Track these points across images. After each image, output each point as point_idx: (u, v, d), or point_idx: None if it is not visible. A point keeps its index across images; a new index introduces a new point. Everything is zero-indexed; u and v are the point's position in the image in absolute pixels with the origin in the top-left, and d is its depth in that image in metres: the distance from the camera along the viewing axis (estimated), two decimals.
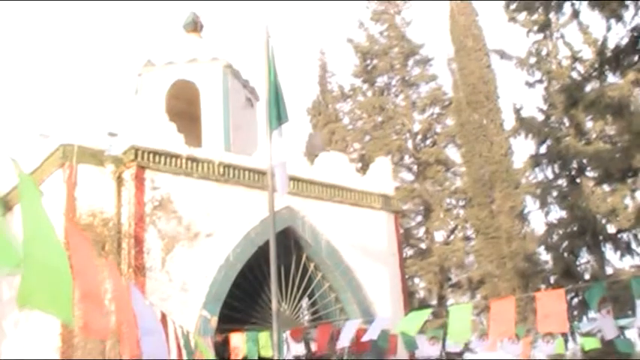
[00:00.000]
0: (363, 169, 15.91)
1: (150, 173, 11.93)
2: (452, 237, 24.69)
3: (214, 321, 11.61)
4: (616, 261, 20.82)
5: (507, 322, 8.28)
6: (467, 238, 24.39)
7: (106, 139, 12.24)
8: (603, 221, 20.32)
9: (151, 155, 11.98)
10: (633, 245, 20.74)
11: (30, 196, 4.09)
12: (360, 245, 13.89)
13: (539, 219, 30.89)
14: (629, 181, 18.75)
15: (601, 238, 20.92)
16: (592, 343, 12.66)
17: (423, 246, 24.79)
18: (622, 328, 12.47)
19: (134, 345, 6.63)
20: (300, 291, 13.33)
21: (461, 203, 25.12)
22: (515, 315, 8.44)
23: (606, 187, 19.83)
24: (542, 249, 22.15)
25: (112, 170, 11.94)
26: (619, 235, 20.87)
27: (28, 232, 3.94)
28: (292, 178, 11.58)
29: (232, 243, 12.38)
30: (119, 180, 11.93)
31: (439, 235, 25.00)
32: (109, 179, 11.92)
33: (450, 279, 23.95)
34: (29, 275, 3.87)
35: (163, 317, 7.91)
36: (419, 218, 25.38)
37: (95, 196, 11.65)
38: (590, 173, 20.34)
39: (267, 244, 11.51)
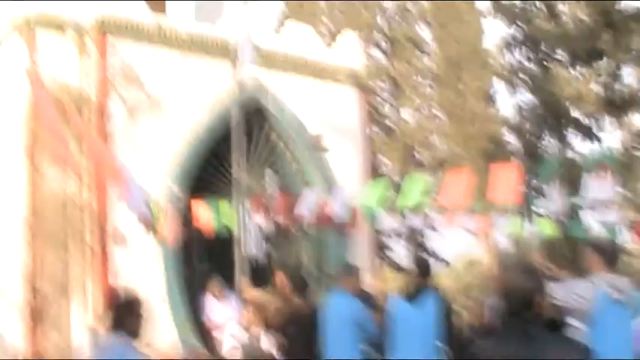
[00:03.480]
0: (332, 44, 15.70)
1: (113, 41, 11.72)
2: (418, 116, 24.75)
3: (178, 190, 11.71)
4: (578, 145, 21.25)
5: (461, 192, 8.42)
6: (433, 118, 24.47)
7: (68, 6, 11.93)
8: (568, 105, 20.52)
9: (115, 23, 11.73)
10: (594, 130, 21.05)
11: None
12: (325, 119, 13.91)
13: (505, 101, 31.15)
14: (595, 64, 18.81)
15: (564, 121, 21.19)
16: (549, 228, 12.84)
17: (389, 124, 24.87)
18: (575, 210, 12.76)
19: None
20: (263, 162, 13.40)
21: (429, 82, 25.06)
22: (471, 188, 8.58)
23: (572, 72, 19.92)
24: (507, 131, 22.41)
25: (75, 38, 11.71)
26: (582, 120, 21.15)
27: None
28: (258, 49, 11.43)
29: (197, 113, 12.34)
30: (81, 48, 11.73)
31: (406, 114, 25.06)
32: (71, 47, 11.71)
33: (414, 157, 24.14)
34: None
35: None
36: (386, 96, 25.34)
37: (57, 63, 11.46)
38: (558, 56, 20.37)
39: (231, 115, 11.55)
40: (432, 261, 7.95)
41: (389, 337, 7.38)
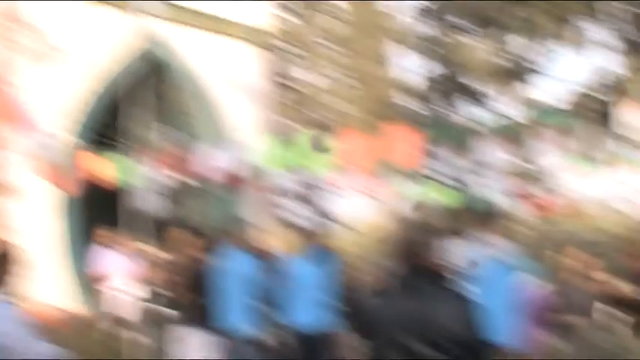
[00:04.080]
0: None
1: None
2: (319, 77, 24.80)
3: (78, 142, 11.42)
4: (471, 112, 21.80)
5: (359, 154, 8.55)
6: (334, 80, 24.57)
7: None
8: (462, 72, 21.00)
9: None
10: (487, 98, 21.66)
11: None
12: (225, 76, 13.78)
13: (403, 66, 31.52)
14: (489, 32, 19.27)
15: (459, 88, 21.70)
16: (442, 192, 13.17)
17: (290, 83, 24.81)
18: (466, 175, 13.12)
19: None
20: (162, 116, 13.19)
21: (331, 45, 25.09)
22: (369, 151, 8.71)
23: (468, 39, 20.35)
24: (404, 95, 22.78)
25: None
26: (475, 87, 21.70)
27: None
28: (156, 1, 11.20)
29: (93, 64, 12.01)
30: None
31: (307, 75, 25.05)
32: None
33: (312, 117, 24.23)
34: None
35: None
36: (288, 56, 25.24)
37: None
38: (455, 24, 20.76)
39: (128, 67, 11.33)
40: (328, 221, 8.04)
41: (284, 295, 7.47)
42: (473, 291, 4.17)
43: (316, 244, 7.58)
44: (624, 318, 6.92)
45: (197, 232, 8.68)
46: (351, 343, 7.26)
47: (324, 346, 7.38)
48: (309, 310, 7.34)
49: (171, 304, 8.12)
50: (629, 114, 8.11)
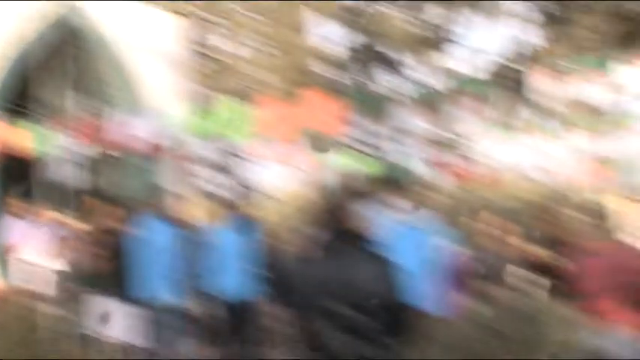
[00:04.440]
0: None
1: None
2: (236, 45, 24.60)
3: None
4: (388, 81, 22.00)
5: (277, 122, 8.53)
6: (251, 48, 24.40)
7: None
8: (381, 41, 21.13)
9: None
10: (405, 67, 21.88)
11: None
12: (143, 44, 13.51)
13: (323, 35, 31.55)
14: (408, 2, 19.42)
15: (380, 59, 21.84)
16: (361, 160, 13.26)
17: (208, 52, 24.53)
18: (383, 142, 13.19)
19: None
20: (78, 85, 12.88)
21: (250, 13, 24.87)
22: (287, 119, 8.70)
23: (387, 9, 20.46)
24: (322, 64, 22.80)
25: None
26: (392, 57, 21.89)
27: None
28: None
29: (6, 31, 11.60)
30: None
31: (225, 43, 24.81)
32: None
33: (231, 86, 24.05)
34: None
35: None
36: (207, 24, 24.92)
37: None
38: None
39: (42, 34, 10.98)
40: (248, 191, 8.02)
41: (206, 265, 7.45)
42: (392, 256, 4.23)
43: (237, 214, 7.56)
44: (540, 282, 7.14)
45: (115, 201, 8.55)
46: (274, 310, 7.29)
47: (247, 314, 7.40)
48: (232, 279, 7.34)
49: (89, 275, 7.99)
50: (544, 83, 8.30)
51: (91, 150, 11.15)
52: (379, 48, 21.18)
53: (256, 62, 23.36)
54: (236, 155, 12.66)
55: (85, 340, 7.88)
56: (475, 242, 7.62)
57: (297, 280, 3.84)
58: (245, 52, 23.73)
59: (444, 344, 6.39)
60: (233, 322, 7.49)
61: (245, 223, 7.48)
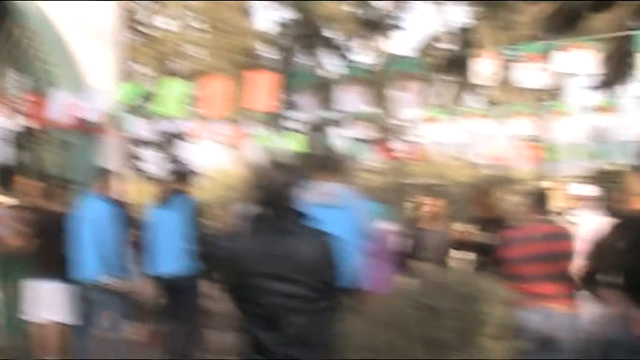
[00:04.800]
0: None
1: None
2: (176, 25, 24.36)
3: None
4: (330, 63, 22.09)
5: (216, 101, 8.51)
6: (191, 28, 24.20)
7: None
8: (323, 25, 21.16)
9: None
10: (345, 51, 21.97)
11: None
12: (80, 22, 13.28)
13: (263, 16, 31.59)
14: None
15: (319, 41, 21.86)
16: (298, 140, 13.30)
17: (146, 30, 24.25)
18: (323, 124, 13.26)
19: None
20: (10, 61, 12.61)
21: None
22: (226, 97, 8.68)
23: None
24: (263, 45, 22.73)
25: None
26: (335, 41, 21.94)
27: None
28: None
29: None
30: None
31: (164, 22, 24.55)
32: None
33: (169, 65, 23.84)
34: None
35: None
36: (146, 3, 24.63)
37: None
38: None
39: None
40: (185, 169, 7.99)
41: (142, 243, 7.43)
42: (326, 232, 4.29)
43: (174, 192, 7.54)
44: (471, 259, 7.29)
45: (49, 180, 8.43)
46: (211, 288, 7.32)
47: (184, 292, 7.40)
48: (168, 257, 7.33)
49: (22, 255, 7.87)
50: (485, 68, 8.44)
51: (27, 127, 10.96)
52: (319, 29, 21.21)
53: (195, 41, 23.18)
54: (175, 134, 12.61)
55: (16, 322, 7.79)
56: (408, 220, 7.74)
57: (232, 256, 3.87)
58: (185, 32, 23.52)
59: (378, 320, 6.48)
60: (169, 300, 7.49)
61: (181, 201, 7.47)
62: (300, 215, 3.89)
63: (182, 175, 7.77)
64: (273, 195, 3.83)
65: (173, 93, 9.07)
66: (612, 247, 5.15)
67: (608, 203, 7.17)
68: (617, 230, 5.21)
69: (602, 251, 5.35)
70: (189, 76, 23.35)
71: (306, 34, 21.21)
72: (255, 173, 3.92)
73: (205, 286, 7.44)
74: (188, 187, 7.73)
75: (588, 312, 7.04)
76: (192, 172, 8.08)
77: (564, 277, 5.62)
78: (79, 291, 7.38)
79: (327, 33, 21.53)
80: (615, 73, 14.63)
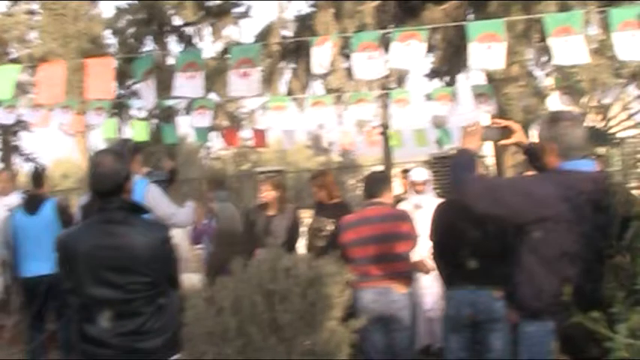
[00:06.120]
0: None
1: None
2: (14, 10, 23.37)
3: None
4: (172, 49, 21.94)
5: (56, 86, 8.25)
6: (31, 13, 23.28)
7: None
8: (170, 12, 20.90)
9: None
10: (195, 39, 21.84)
11: None
12: None
13: (108, 2, 30.77)
14: None
15: (167, 28, 21.60)
16: (143, 133, 12.97)
17: None
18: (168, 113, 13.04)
19: None
20: None
21: None
22: (65, 85, 8.42)
23: None
24: (108, 32, 22.24)
25: None
26: (183, 28, 21.75)
27: None
28: None
29: None
30: None
31: (3, 6, 23.47)
32: None
33: (6, 54, 22.87)
34: None
35: None
36: None
37: None
38: None
39: None
40: (40, 170, 7.68)
41: (14, 248, 7.25)
42: (161, 224, 4.30)
43: (35, 194, 7.37)
44: (315, 244, 7.41)
45: None
46: (61, 284, 7.17)
47: (46, 291, 7.20)
48: (36, 257, 7.14)
49: None
50: (320, 52, 8.58)
51: None
52: (166, 17, 20.97)
53: (35, 26, 22.36)
54: (11, 123, 12.05)
55: None
56: (245, 205, 7.78)
57: (71, 249, 3.82)
58: (24, 17, 22.60)
59: (227, 307, 6.50)
60: (31, 300, 7.28)
61: (43, 201, 7.32)
62: (132, 206, 3.89)
63: (38, 177, 7.53)
64: (102, 184, 3.80)
65: (9, 79, 8.66)
66: (449, 227, 5.43)
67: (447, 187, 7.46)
68: (449, 211, 5.50)
69: (439, 231, 5.64)
70: (31, 63, 22.44)
71: (152, 20, 20.87)
72: (94, 163, 3.87)
73: (59, 282, 7.28)
74: (45, 188, 7.56)
75: (431, 291, 7.39)
76: (44, 170, 7.85)
77: (399, 258, 5.85)
78: None
79: (172, 20, 21.31)
80: (450, 62, 15.27)
